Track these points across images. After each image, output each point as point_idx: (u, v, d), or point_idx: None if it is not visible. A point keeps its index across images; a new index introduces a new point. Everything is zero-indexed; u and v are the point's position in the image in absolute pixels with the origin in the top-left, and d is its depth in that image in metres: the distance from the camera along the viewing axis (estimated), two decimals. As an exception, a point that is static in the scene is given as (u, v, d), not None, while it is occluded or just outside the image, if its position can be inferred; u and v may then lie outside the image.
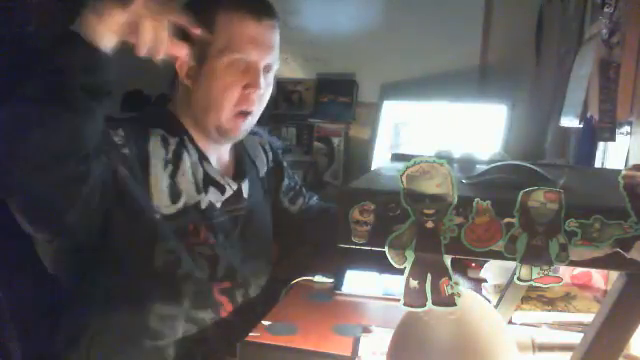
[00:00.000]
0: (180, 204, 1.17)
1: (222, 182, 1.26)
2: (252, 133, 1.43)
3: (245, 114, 1.22)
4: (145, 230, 1.13)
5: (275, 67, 1.25)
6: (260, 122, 1.33)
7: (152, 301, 1.16)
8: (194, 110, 1.23)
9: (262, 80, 1.20)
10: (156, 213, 1.13)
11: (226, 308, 1.24)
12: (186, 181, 1.19)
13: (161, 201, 1.15)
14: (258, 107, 1.24)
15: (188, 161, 1.21)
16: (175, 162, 1.19)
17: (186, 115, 1.24)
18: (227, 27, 1.17)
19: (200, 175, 1.23)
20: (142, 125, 1.19)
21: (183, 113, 1.25)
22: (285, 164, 1.53)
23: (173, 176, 1.18)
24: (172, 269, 1.15)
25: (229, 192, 1.27)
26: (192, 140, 1.24)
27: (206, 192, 1.23)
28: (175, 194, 1.17)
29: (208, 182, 1.24)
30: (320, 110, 2.51)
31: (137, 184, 1.11)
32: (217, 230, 1.24)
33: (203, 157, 1.25)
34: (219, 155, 1.31)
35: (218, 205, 1.25)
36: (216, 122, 1.21)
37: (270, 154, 1.49)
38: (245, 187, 1.32)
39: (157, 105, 1.34)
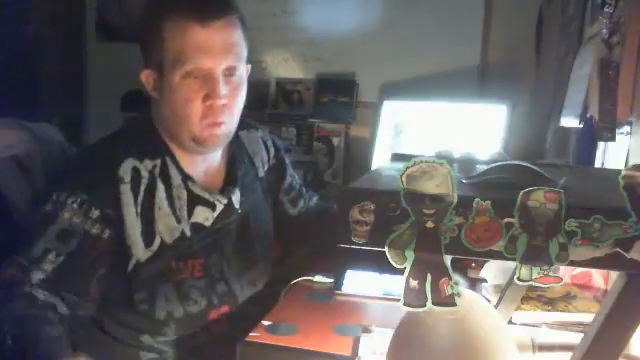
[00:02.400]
0: (155, 246, 1.12)
1: (211, 199, 1.19)
2: (254, 128, 1.40)
3: (217, 123, 1.13)
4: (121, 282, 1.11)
5: (240, 66, 1.14)
6: (260, 122, 1.31)
7: (139, 334, 1.18)
8: (166, 123, 1.16)
9: (222, 88, 1.10)
10: (132, 262, 1.11)
11: (222, 323, 1.24)
12: (163, 215, 1.14)
13: (137, 248, 1.11)
14: (229, 115, 1.14)
15: (164, 192, 1.14)
16: (148, 199, 1.12)
17: (163, 126, 1.17)
18: (174, 37, 1.08)
19: (184, 197, 1.16)
20: (114, 158, 1.12)
21: (161, 124, 1.18)
22: (287, 161, 1.46)
23: (148, 216, 1.12)
24: (150, 314, 1.14)
25: (220, 207, 1.21)
26: (174, 159, 1.17)
27: (190, 216, 1.17)
28: (149, 236, 1.12)
29: (194, 202, 1.17)
30: (320, 110, 2.51)
31: (116, 243, 1.09)
32: (209, 252, 1.19)
33: (187, 177, 1.17)
34: (208, 163, 1.23)
35: (208, 223, 1.19)
36: (189, 135, 1.13)
37: (272, 150, 1.41)
38: (236, 198, 1.24)
39: (140, 114, 1.25)
